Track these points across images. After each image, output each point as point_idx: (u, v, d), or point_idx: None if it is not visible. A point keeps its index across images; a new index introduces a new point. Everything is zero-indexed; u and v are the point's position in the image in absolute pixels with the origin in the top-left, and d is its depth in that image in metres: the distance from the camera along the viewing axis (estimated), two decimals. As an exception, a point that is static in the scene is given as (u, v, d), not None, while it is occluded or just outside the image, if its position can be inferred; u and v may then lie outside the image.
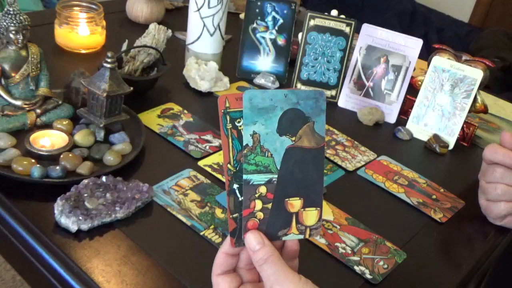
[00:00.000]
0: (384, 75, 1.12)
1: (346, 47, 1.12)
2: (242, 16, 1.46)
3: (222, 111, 0.46)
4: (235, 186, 0.47)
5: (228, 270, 0.50)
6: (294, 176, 0.48)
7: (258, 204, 0.48)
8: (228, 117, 0.46)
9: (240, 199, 0.47)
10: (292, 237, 0.50)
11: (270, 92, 0.47)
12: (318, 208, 0.50)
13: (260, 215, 0.48)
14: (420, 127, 1.09)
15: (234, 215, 0.48)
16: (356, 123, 1.10)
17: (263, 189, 0.48)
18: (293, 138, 0.48)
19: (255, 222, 0.48)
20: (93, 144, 0.81)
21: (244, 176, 0.47)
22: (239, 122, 0.46)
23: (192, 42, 1.11)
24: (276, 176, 0.48)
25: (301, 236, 0.50)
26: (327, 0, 2.67)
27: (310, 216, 0.50)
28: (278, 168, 0.48)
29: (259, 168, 0.47)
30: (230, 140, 0.47)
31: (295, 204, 0.49)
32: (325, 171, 0.91)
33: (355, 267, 0.72)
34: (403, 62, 1.11)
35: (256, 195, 0.48)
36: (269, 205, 0.48)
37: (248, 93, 0.46)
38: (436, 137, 1.06)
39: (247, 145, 0.47)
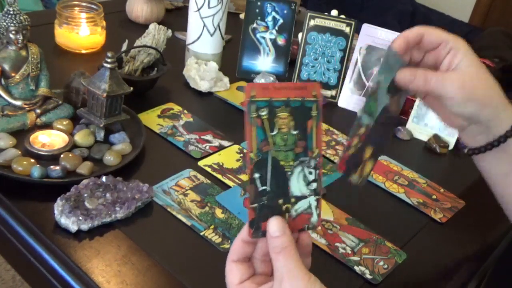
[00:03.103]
0: (384, 75, 1.12)
1: (346, 47, 1.12)
2: (242, 16, 1.46)
3: (248, 99, 0.46)
4: (256, 175, 0.46)
5: (244, 258, 0.50)
6: (378, 129, 0.58)
7: (355, 141, 0.58)
8: (253, 106, 0.46)
9: (260, 188, 0.47)
10: (354, 180, 0.60)
11: (399, 58, 0.56)
12: (374, 162, 0.60)
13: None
14: (420, 127, 1.09)
15: (254, 205, 0.47)
16: (356, 123, 1.10)
17: (362, 130, 0.58)
18: (390, 100, 0.58)
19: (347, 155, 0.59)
20: (93, 144, 0.81)
21: (362, 112, 0.57)
22: (263, 111, 0.46)
23: (192, 42, 1.11)
24: (373, 123, 0.58)
25: (357, 181, 0.59)
26: (327, 0, 2.66)
27: (368, 166, 0.60)
28: (375, 118, 0.58)
29: (369, 111, 0.57)
30: (254, 129, 0.46)
31: (368, 151, 0.59)
32: (324, 171, 0.91)
33: (355, 267, 0.72)
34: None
35: (358, 133, 0.58)
36: (359, 144, 0.58)
37: (390, 50, 0.56)
38: (436, 137, 1.06)
39: (376, 84, 0.57)
